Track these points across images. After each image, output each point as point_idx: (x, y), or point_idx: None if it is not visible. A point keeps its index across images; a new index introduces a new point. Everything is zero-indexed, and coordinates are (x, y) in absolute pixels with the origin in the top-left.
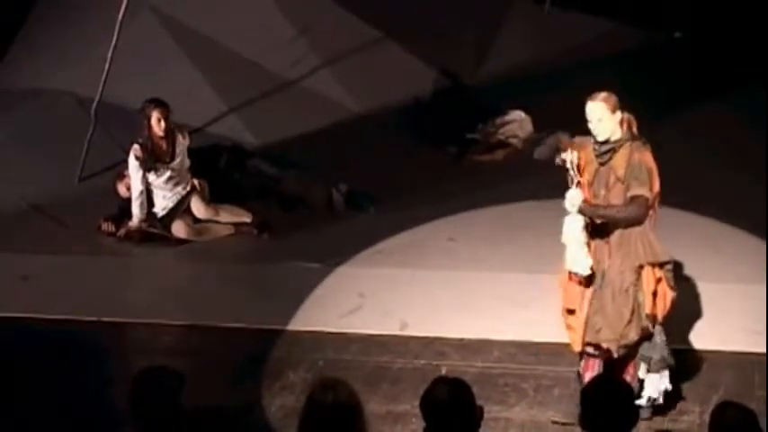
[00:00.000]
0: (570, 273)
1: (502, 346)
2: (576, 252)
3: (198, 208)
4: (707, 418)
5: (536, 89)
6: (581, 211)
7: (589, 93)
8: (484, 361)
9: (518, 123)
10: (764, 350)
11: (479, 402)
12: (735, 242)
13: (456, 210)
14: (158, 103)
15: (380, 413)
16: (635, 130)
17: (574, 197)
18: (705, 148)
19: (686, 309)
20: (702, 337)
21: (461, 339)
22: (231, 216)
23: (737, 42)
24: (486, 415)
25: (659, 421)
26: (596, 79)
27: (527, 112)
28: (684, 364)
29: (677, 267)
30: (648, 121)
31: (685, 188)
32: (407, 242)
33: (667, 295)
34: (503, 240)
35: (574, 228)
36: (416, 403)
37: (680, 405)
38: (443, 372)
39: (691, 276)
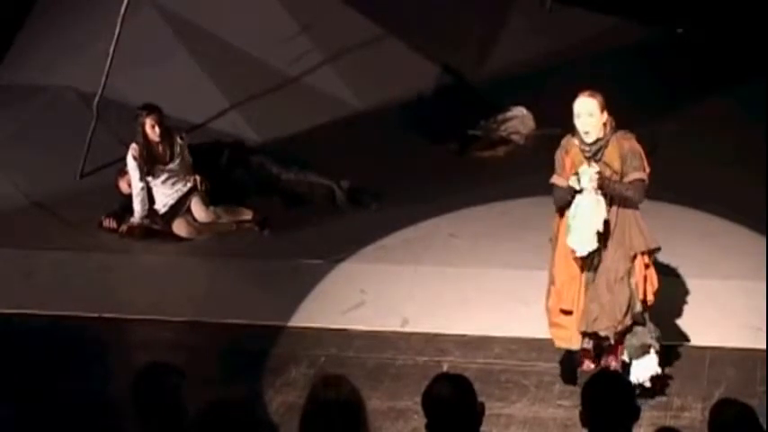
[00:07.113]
0: (575, 255)
1: (503, 343)
2: (589, 232)
3: (199, 212)
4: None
5: (538, 85)
6: (601, 186)
7: (591, 89)
8: (485, 357)
9: (519, 120)
10: (765, 347)
11: (481, 399)
12: (735, 238)
13: (457, 206)
14: (151, 109)
15: (382, 409)
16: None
17: (590, 173)
18: (706, 144)
19: (687, 305)
20: (704, 334)
21: (463, 336)
22: (232, 217)
23: (739, 38)
24: (487, 411)
25: (661, 418)
26: (598, 75)
27: (529, 108)
28: (686, 360)
29: (677, 264)
30: (650, 116)
31: (686, 184)
32: (409, 238)
33: (654, 279)
34: (504, 237)
35: (590, 206)
36: (418, 400)
37: (682, 401)
38: (445, 368)
39: (691, 273)
